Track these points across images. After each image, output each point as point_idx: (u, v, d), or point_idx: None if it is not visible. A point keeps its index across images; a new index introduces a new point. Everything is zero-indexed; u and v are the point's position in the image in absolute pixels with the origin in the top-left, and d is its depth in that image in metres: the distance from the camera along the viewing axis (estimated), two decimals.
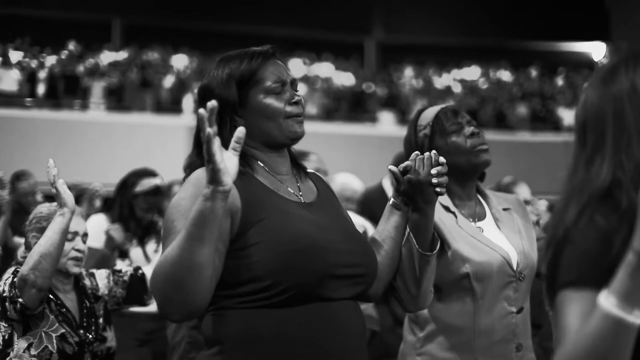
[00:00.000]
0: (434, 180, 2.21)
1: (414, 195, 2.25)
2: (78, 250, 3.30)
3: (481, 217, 2.82)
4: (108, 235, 4.70)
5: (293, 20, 22.80)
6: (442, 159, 2.24)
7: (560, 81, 22.38)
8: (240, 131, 1.81)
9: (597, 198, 1.45)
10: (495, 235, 2.78)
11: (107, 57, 18.84)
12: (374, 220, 4.14)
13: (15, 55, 17.49)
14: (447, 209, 2.76)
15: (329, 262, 2.02)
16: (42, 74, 17.56)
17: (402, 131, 3.24)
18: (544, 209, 4.90)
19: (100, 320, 3.32)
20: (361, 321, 2.14)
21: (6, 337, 3.16)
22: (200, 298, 1.86)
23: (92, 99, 17.52)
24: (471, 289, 2.65)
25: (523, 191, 5.10)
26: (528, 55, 23.52)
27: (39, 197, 6.78)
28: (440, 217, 2.69)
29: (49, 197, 3.13)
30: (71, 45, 18.48)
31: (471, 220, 2.79)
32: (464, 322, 2.67)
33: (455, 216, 2.75)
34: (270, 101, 2.16)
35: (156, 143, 15.39)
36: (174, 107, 17.75)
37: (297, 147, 4.53)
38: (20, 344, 3.13)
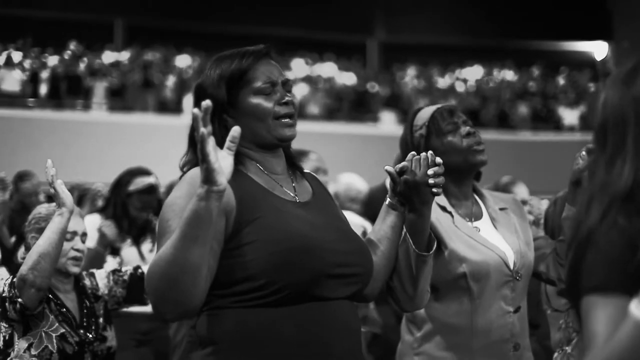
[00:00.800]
0: (431, 181, 2.20)
1: (411, 196, 2.24)
2: (77, 250, 3.30)
3: (478, 216, 2.82)
4: (100, 232, 4.70)
5: (295, 21, 22.82)
6: (438, 160, 2.23)
7: (561, 80, 22.37)
8: (235, 130, 1.81)
9: (620, 200, 1.44)
10: (492, 235, 2.78)
11: (109, 57, 18.86)
12: None
13: (17, 56, 17.52)
14: (443, 208, 2.75)
15: (324, 262, 2.01)
16: (45, 75, 17.59)
17: None
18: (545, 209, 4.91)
19: (101, 320, 3.32)
20: (357, 321, 2.14)
21: (7, 338, 3.16)
22: (195, 297, 1.86)
23: (95, 100, 17.56)
24: (468, 289, 2.66)
25: (521, 191, 5.10)
26: (530, 55, 23.52)
27: (42, 197, 6.79)
28: (437, 217, 2.68)
29: (52, 198, 3.13)
30: (73, 46, 18.49)
31: (468, 220, 2.79)
32: (462, 322, 2.67)
33: (452, 216, 2.75)
34: (259, 101, 2.15)
35: (158, 143, 15.40)
36: (176, 107, 17.77)
37: (298, 146, 4.54)
38: (20, 344, 3.13)
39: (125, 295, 3.43)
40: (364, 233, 4.33)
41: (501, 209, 2.87)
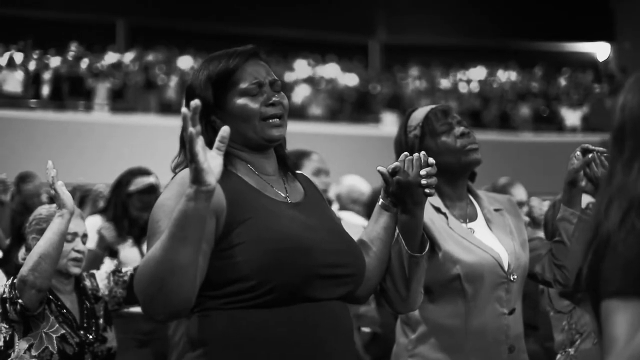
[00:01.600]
0: (423, 182, 2.18)
1: (403, 197, 2.22)
2: (78, 251, 3.30)
3: (472, 217, 2.81)
4: (99, 234, 4.71)
5: (298, 22, 22.84)
6: (431, 160, 2.21)
7: (563, 81, 22.36)
8: (225, 130, 1.79)
9: (638, 204, 1.45)
10: (487, 236, 2.76)
11: (111, 58, 18.88)
12: None
13: (19, 57, 17.54)
14: (438, 210, 2.74)
15: (315, 262, 2.00)
16: (47, 76, 17.60)
17: None
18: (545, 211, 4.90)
19: (101, 321, 3.32)
20: (349, 321, 2.12)
21: (7, 338, 3.16)
22: (184, 298, 1.84)
23: (97, 100, 17.57)
24: (462, 290, 2.65)
25: (519, 192, 5.09)
26: (532, 56, 23.51)
27: (44, 198, 6.80)
28: (431, 218, 2.68)
29: (53, 199, 3.14)
30: (75, 47, 18.51)
31: (462, 221, 2.77)
32: (456, 324, 2.66)
33: (446, 217, 2.73)
34: (245, 102, 2.13)
35: (160, 144, 15.37)
36: (178, 108, 17.75)
37: (300, 147, 4.54)
38: (21, 345, 3.13)
39: (126, 296, 3.43)
40: None
41: (496, 210, 2.86)
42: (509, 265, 2.70)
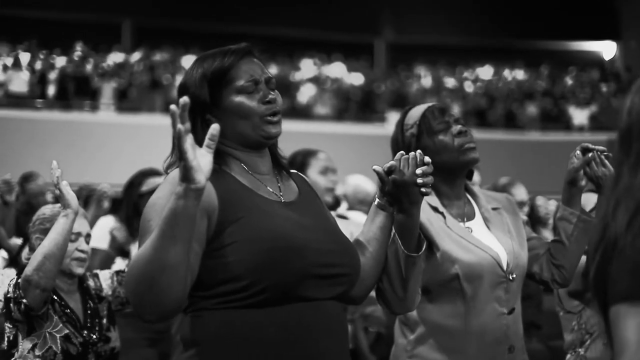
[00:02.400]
0: (419, 181, 2.16)
1: (399, 196, 2.20)
2: (81, 251, 3.31)
3: (470, 217, 2.78)
4: (111, 235, 4.72)
5: (303, 21, 22.85)
6: (427, 159, 2.19)
7: (570, 80, 22.32)
8: (214, 128, 1.77)
9: None
10: (485, 235, 2.74)
11: (117, 58, 18.90)
12: None
13: (25, 57, 17.57)
14: (435, 209, 2.72)
15: (308, 262, 1.98)
16: (53, 76, 17.63)
17: None
18: (554, 209, 4.89)
19: (104, 321, 3.33)
20: (343, 322, 2.11)
21: (11, 338, 3.18)
22: (174, 298, 1.81)
23: (102, 100, 17.59)
24: (461, 290, 2.62)
25: (520, 192, 5.06)
26: (538, 55, 23.48)
27: (48, 197, 6.80)
28: (429, 217, 2.65)
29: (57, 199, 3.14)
30: (81, 47, 18.54)
31: (460, 220, 2.75)
32: (455, 324, 2.63)
33: (444, 217, 2.71)
34: (242, 100, 2.12)
35: (166, 143, 15.23)
36: None
37: (306, 146, 4.53)
38: (24, 345, 3.14)
39: None
40: None
41: (494, 209, 2.83)
42: (507, 265, 2.68)
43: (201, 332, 1.98)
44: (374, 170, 2.24)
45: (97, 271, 3.50)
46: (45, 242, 3.06)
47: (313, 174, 4.20)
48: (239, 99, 2.12)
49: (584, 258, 2.91)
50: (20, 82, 16.95)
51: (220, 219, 1.97)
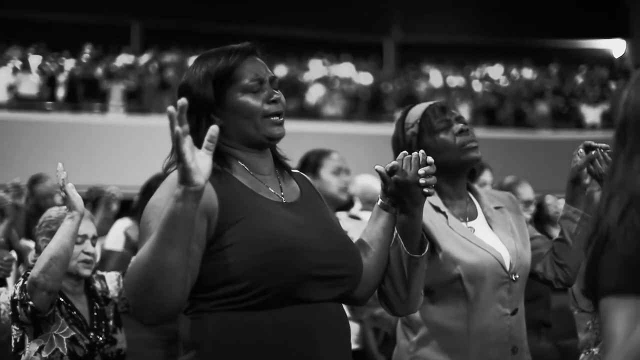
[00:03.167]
0: (422, 181, 2.14)
1: (402, 196, 2.18)
2: (87, 253, 3.31)
3: (472, 216, 2.76)
4: (126, 235, 4.75)
5: (312, 22, 22.84)
6: (430, 159, 2.16)
7: (580, 79, 22.26)
8: (213, 129, 1.75)
9: (638, 200, 1.44)
10: (487, 235, 2.71)
11: (126, 60, 18.94)
12: None
13: (34, 60, 17.62)
14: (437, 209, 2.69)
15: (308, 263, 1.96)
16: (62, 78, 17.68)
17: None
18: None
19: (111, 323, 3.33)
20: (344, 324, 2.09)
21: (18, 340, 3.19)
22: (173, 301, 1.80)
23: (112, 102, 17.62)
24: (464, 291, 2.59)
25: (526, 191, 5.03)
26: (548, 53, 23.42)
27: (57, 199, 6.81)
28: (431, 218, 2.62)
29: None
30: (90, 49, 18.58)
31: (462, 220, 2.72)
32: (458, 325, 2.61)
33: (446, 216, 2.68)
34: (247, 99, 2.10)
35: None
36: None
37: (316, 147, 4.52)
38: (31, 347, 3.15)
39: None
40: None
41: (497, 208, 2.81)
42: (510, 265, 2.65)
43: (201, 334, 1.97)
44: (376, 170, 2.22)
45: (104, 273, 3.51)
46: (52, 245, 3.06)
47: (326, 174, 4.21)
48: (244, 98, 2.10)
49: None
50: (29, 85, 17.00)
51: (220, 221, 1.96)
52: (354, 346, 4.44)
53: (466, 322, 2.60)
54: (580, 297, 3.38)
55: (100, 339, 3.24)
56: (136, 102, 17.96)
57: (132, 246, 4.75)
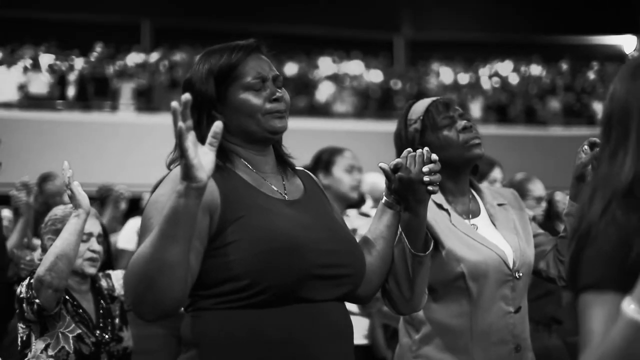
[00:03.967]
0: (426, 179, 2.12)
1: (406, 194, 2.17)
2: (93, 251, 3.32)
3: (475, 213, 2.73)
4: (138, 234, 4.76)
5: (322, 19, 22.83)
6: (434, 156, 2.15)
7: (592, 75, 22.17)
8: (217, 126, 1.73)
9: (620, 195, 1.42)
10: (490, 232, 2.69)
11: (136, 58, 18.97)
12: None
13: (45, 59, 17.66)
14: (440, 206, 2.66)
15: (310, 262, 1.95)
16: (72, 77, 17.71)
17: None
18: None
19: (117, 321, 3.34)
20: (347, 323, 2.07)
21: (24, 338, 3.20)
22: (173, 297, 1.79)
23: (122, 101, 17.65)
24: (467, 289, 2.57)
25: (537, 187, 4.98)
26: (558, 50, 23.34)
27: (66, 198, 6.82)
28: (434, 215, 2.60)
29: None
30: (100, 48, 18.62)
31: (465, 217, 2.69)
32: (461, 324, 2.58)
33: (449, 214, 2.65)
34: (249, 97, 2.08)
35: None
36: None
37: (326, 145, 4.50)
38: (37, 345, 3.16)
39: None
40: None
41: (499, 205, 2.78)
42: (514, 263, 2.63)
43: (200, 332, 1.96)
44: (380, 167, 2.20)
45: (110, 271, 3.52)
46: (57, 243, 3.07)
47: (339, 172, 4.22)
48: (245, 96, 2.09)
49: None
50: (40, 84, 17.04)
51: (222, 218, 1.95)
52: (363, 342, 4.44)
53: (469, 321, 2.58)
54: None
55: (106, 336, 3.25)
56: (146, 101, 17.97)
57: None
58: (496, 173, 5.08)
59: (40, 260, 3.18)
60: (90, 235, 3.32)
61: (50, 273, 3.02)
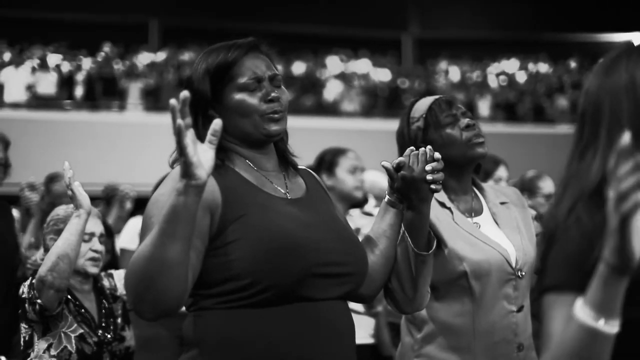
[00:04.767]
0: (429, 177, 2.12)
1: (409, 193, 2.16)
2: (95, 251, 3.32)
3: (478, 212, 2.71)
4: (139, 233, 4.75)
5: (329, 18, 22.83)
6: (437, 155, 2.14)
7: None
8: (217, 123, 1.72)
9: (587, 194, 1.40)
10: (493, 231, 2.67)
11: (144, 58, 19.00)
12: None
13: (53, 59, 17.71)
14: (442, 204, 2.65)
15: (311, 261, 1.94)
16: (80, 77, 17.75)
17: None
18: None
19: (119, 320, 3.34)
20: (349, 322, 2.06)
21: (27, 338, 3.20)
22: (173, 297, 1.78)
23: (130, 100, 17.68)
24: (469, 288, 2.55)
25: (547, 185, 4.97)
26: (566, 47, 23.29)
27: None
28: (436, 214, 2.58)
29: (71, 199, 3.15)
30: (108, 47, 18.66)
31: (467, 215, 2.68)
32: (463, 323, 2.57)
33: (451, 212, 2.64)
34: (244, 98, 2.07)
35: None
36: None
37: (334, 144, 4.50)
38: (40, 345, 3.17)
39: None
40: None
41: (502, 203, 2.76)
42: (516, 261, 2.61)
43: (202, 331, 1.96)
44: (383, 166, 2.20)
45: (112, 271, 3.52)
46: (59, 243, 3.07)
47: (342, 173, 4.23)
48: (240, 96, 2.07)
49: None
50: (47, 84, 17.08)
51: (223, 217, 1.94)
52: (369, 340, 4.43)
53: (471, 320, 2.57)
54: None
55: (109, 336, 3.26)
56: (154, 100, 17.99)
57: None
58: (501, 171, 5.07)
59: (42, 260, 3.19)
60: (92, 235, 3.32)
61: (51, 273, 3.03)
